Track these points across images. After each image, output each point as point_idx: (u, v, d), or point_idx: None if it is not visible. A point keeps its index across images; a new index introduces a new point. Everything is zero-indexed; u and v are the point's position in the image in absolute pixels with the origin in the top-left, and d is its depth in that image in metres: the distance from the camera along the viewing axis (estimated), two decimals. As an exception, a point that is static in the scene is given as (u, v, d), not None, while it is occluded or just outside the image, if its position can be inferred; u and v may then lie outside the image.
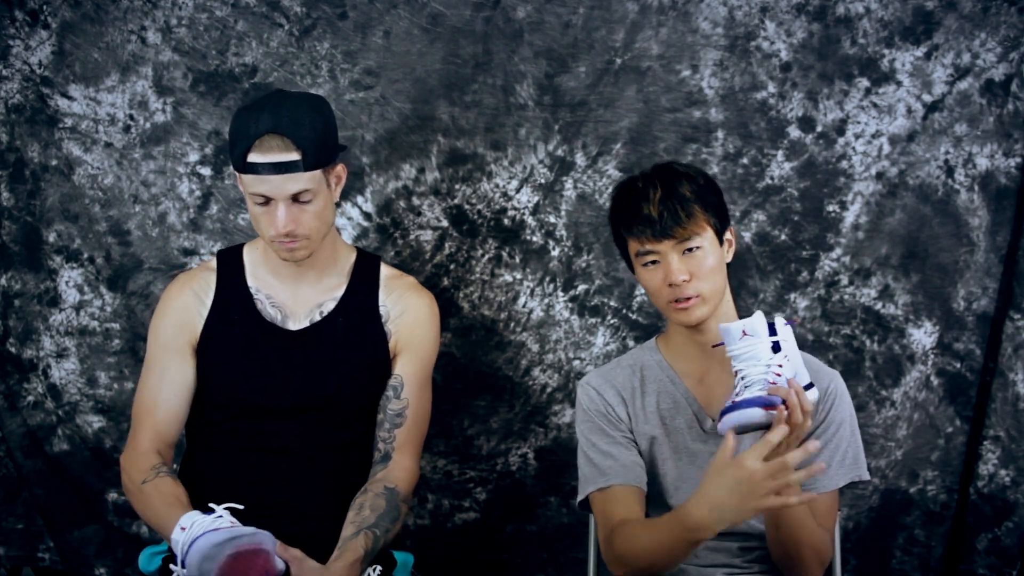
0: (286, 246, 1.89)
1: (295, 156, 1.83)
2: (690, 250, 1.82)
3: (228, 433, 2.00)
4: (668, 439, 1.91)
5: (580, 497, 1.94)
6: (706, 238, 1.83)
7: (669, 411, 1.92)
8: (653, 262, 1.83)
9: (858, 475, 1.90)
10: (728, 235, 1.90)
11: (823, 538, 1.85)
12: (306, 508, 1.94)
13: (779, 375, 1.72)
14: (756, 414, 1.68)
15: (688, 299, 1.82)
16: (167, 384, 1.97)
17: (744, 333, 1.75)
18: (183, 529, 1.73)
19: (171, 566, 1.78)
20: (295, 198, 1.85)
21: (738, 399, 1.71)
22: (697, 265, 1.82)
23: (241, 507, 1.78)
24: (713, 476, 1.64)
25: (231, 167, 1.94)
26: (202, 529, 1.70)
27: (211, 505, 1.77)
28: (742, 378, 1.75)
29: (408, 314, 2.02)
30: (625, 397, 1.93)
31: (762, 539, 1.90)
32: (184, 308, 2.00)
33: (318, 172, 1.87)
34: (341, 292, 2.02)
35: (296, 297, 2.00)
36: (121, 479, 1.99)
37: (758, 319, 1.75)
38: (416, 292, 2.06)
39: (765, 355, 1.74)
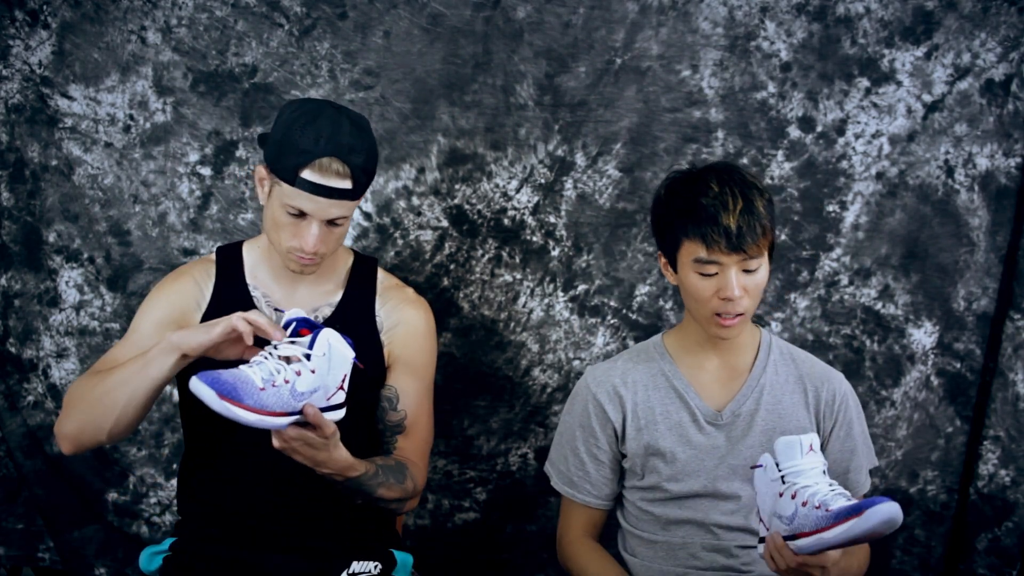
0: (303, 261, 1.88)
1: (348, 184, 1.81)
2: (750, 269, 1.82)
3: (226, 428, 1.99)
4: (670, 432, 1.93)
5: (548, 470, 2.06)
6: (763, 259, 1.83)
7: (673, 405, 1.94)
8: (712, 273, 1.82)
9: (872, 463, 2.04)
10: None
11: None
12: (305, 507, 1.93)
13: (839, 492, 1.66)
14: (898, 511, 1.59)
15: (734, 316, 1.83)
16: None
17: (811, 448, 1.67)
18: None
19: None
20: (330, 221, 1.84)
21: (837, 513, 1.59)
22: (752, 283, 1.82)
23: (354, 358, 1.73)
24: None
25: (260, 165, 1.87)
26: (246, 375, 1.61)
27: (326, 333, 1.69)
28: (814, 494, 1.63)
29: (402, 327, 2.01)
30: (623, 393, 1.95)
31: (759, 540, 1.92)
32: (183, 292, 1.98)
33: (355, 203, 1.86)
34: (338, 298, 2.01)
35: (292, 298, 1.99)
36: (72, 395, 1.86)
37: (816, 435, 1.70)
38: (411, 306, 2.05)
39: (819, 468, 1.68)
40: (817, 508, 1.62)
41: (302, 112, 1.83)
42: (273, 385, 1.62)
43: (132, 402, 1.77)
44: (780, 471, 1.68)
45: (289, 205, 1.82)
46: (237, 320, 1.70)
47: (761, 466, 1.72)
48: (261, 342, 1.72)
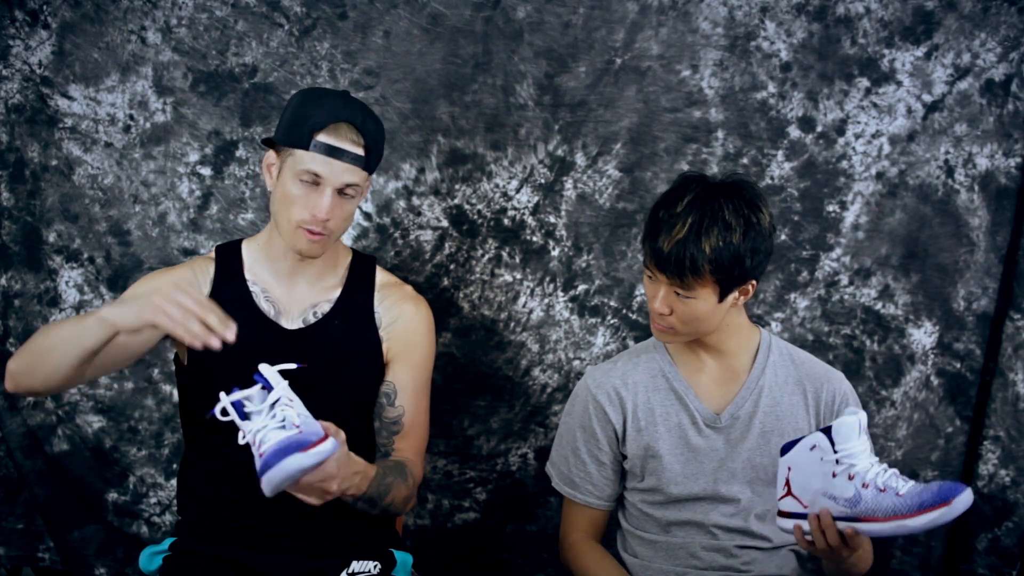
0: (312, 236, 1.89)
1: (360, 151, 1.87)
2: (680, 295, 1.80)
3: (225, 428, 1.98)
4: (669, 434, 1.93)
5: (549, 470, 2.06)
6: (702, 294, 1.80)
7: (673, 407, 1.94)
8: (650, 277, 1.85)
9: None
10: (741, 289, 1.84)
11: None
12: (305, 507, 1.93)
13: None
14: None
15: (664, 326, 1.86)
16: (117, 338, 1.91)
17: (864, 428, 1.66)
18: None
19: (223, 395, 1.70)
20: (341, 191, 1.87)
21: (908, 495, 1.60)
22: (682, 308, 1.82)
23: (295, 366, 1.72)
24: None
25: (267, 153, 1.91)
26: (277, 438, 1.62)
27: (262, 370, 1.69)
28: (875, 476, 1.63)
29: (400, 323, 2.02)
30: (623, 395, 1.95)
31: (758, 541, 1.91)
32: (181, 281, 1.98)
33: (366, 174, 1.91)
34: (337, 294, 2.01)
35: (291, 294, 1.99)
36: (32, 338, 1.89)
37: (863, 415, 1.68)
38: (410, 302, 2.05)
39: (869, 447, 1.67)
40: (883, 491, 1.62)
41: (313, 92, 1.93)
42: (296, 426, 1.63)
43: (64, 363, 1.78)
44: (836, 452, 1.66)
45: (303, 171, 1.85)
46: (161, 314, 1.64)
47: (808, 444, 1.68)
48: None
